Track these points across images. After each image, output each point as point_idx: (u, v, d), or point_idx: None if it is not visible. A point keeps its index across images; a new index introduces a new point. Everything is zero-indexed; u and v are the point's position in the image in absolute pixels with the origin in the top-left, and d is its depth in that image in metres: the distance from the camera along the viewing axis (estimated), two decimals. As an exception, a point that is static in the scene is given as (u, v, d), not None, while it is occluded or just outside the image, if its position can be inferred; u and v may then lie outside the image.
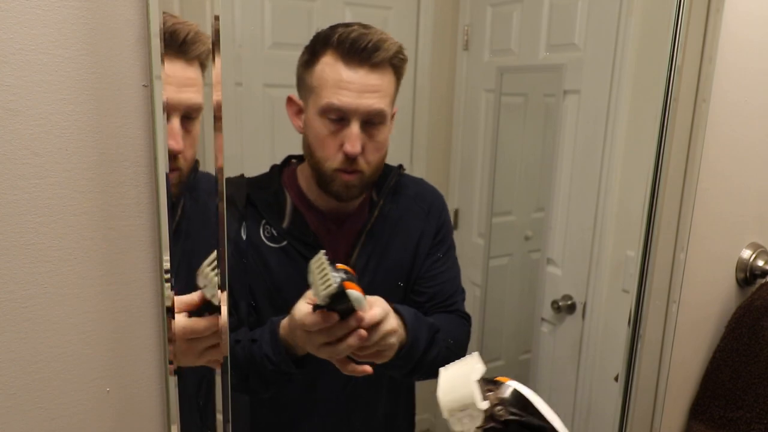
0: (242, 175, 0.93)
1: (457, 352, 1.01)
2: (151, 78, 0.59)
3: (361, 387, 0.98)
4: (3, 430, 0.61)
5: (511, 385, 0.50)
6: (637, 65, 1.45)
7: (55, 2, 0.55)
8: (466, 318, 1.04)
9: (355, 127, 0.85)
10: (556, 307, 1.75)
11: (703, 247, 1.07)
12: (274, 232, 0.92)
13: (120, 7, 0.58)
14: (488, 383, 0.52)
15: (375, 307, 0.84)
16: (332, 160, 0.87)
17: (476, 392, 0.51)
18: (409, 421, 1.10)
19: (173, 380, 0.66)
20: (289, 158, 1.00)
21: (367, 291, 0.93)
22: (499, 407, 0.50)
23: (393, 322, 0.86)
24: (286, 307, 0.90)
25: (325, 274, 0.75)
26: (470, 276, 2.13)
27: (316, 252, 0.88)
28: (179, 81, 0.80)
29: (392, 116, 0.94)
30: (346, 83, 0.84)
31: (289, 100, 0.93)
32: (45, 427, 0.63)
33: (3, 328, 0.59)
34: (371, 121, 0.87)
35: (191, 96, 0.79)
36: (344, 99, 0.84)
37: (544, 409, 0.48)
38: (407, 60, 0.91)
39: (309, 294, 0.80)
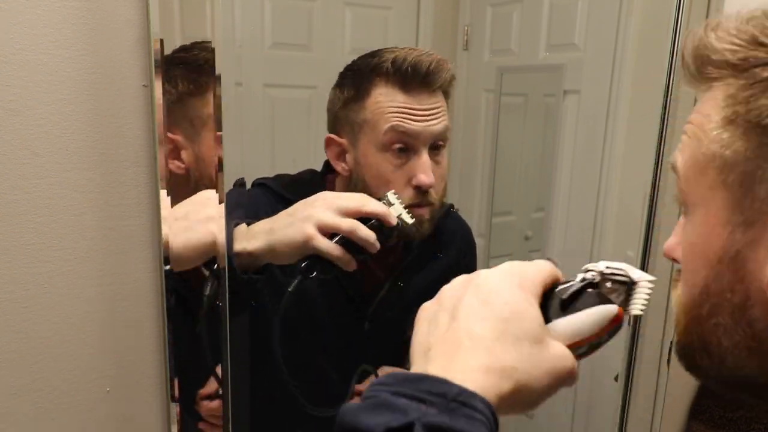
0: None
1: None
2: (151, 78, 0.59)
3: None
4: (3, 430, 0.61)
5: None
6: (637, 65, 1.45)
7: (56, 2, 0.55)
8: None
9: (424, 155, 0.79)
10: (556, 307, 1.75)
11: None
12: None
13: (120, 7, 0.58)
14: None
15: None
16: (401, 198, 0.79)
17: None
18: None
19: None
20: (327, 164, 0.90)
21: (395, 326, 0.89)
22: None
23: None
24: (326, 338, 0.87)
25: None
26: (470, 276, 2.13)
27: (353, 280, 0.85)
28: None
29: None
30: (410, 109, 0.78)
31: (329, 141, 0.84)
32: (45, 427, 0.63)
33: (3, 328, 0.59)
34: (436, 145, 0.81)
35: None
36: (412, 125, 0.78)
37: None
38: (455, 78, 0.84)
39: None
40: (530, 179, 1.93)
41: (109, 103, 0.59)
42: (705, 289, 0.39)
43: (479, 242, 2.14)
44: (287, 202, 0.81)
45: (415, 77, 0.78)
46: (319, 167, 0.92)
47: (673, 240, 0.44)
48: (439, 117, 0.80)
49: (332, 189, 0.88)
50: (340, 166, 0.84)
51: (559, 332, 0.41)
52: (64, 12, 0.56)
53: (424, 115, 0.78)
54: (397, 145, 0.79)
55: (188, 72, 0.70)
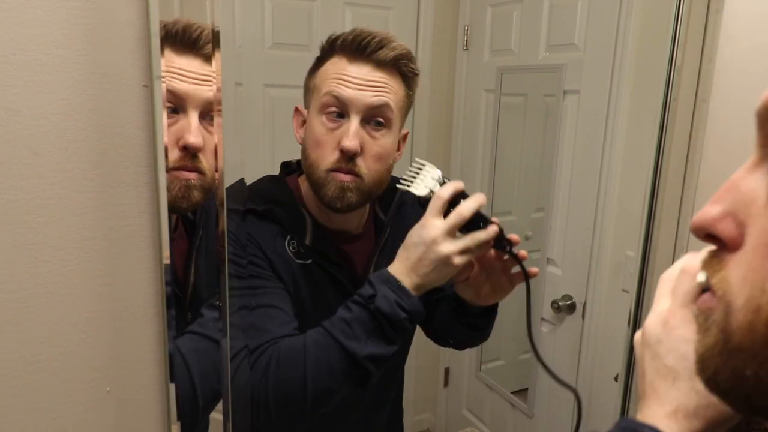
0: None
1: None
2: (151, 78, 0.59)
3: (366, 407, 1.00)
4: (3, 430, 0.61)
5: None
6: (637, 65, 1.45)
7: (56, 2, 0.55)
8: None
9: (354, 122, 0.82)
10: (556, 307, 1.75)
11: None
12: (301, 248, 0.88)
13: (120, 7, 0.58)
14: None
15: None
16: (326, 160, 0.83)
17: None
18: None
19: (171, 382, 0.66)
20: (284, 166, 0.97)
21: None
22: None
23: None
24: (315, 323, 0.88)
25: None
26: (470, 276, 2.13)
27: (340, 269, 0.89)
28: (196, 76, 0.76)
29: (403, 138, 0.92)
30: (347, 76, 0.82)
31: (296, 111, 0.91)
32: (45, 427, 0.63)
33: (3, 328, 0.59)
34: (373, 120, 0.83)
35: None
36: (345, 90, 0.81)
37: None
38: (418, 73, 0.88)
39: (429, 217, 0.79)
40: (530, 179, 1.93)
41: (109, 103, 0.59)
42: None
43: (479, 242, 2.13)
44: (267, 219, 0.88)
45: (360, 50, 0.83)
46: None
47: (717, 209, 0.30)
48: (377, 90, 0.83)
49: (295, 189, 0.93)
50: (298, 134, 0.90)
51: None
52: (64, 12, 0.56)
53: (361, 84, 0.82)
54: (332, 109, 0.83)
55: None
